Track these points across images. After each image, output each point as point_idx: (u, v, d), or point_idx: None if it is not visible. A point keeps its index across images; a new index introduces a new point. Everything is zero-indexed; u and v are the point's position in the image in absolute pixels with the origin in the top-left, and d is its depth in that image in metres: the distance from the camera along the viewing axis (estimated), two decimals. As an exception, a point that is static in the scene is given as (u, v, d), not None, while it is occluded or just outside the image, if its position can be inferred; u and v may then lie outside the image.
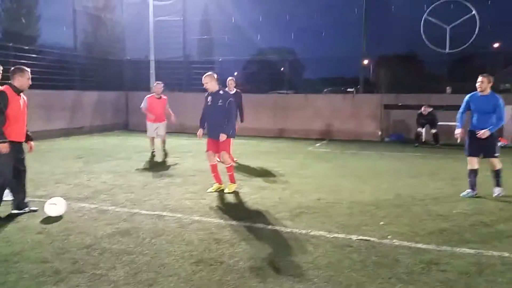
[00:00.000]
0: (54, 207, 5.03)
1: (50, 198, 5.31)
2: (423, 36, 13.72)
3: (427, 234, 4.65)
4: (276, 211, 5.49)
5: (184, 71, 17.41)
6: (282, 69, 17.73)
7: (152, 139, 10.31)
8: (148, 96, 10.29)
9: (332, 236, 4.56)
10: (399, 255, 4.02)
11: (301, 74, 20.91)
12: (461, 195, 6.32)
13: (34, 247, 4.08)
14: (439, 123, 12.58)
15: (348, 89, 17.85)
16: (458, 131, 6.46)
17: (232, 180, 6.67)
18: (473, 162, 6.28)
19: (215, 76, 6.51)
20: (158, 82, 10.47)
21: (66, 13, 15.90)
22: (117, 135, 15.36)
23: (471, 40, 13.45)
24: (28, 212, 5.21)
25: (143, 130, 15.90)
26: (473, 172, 6.29)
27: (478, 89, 6.17)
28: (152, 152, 10.27)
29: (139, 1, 17.15)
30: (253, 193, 6.45)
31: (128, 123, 17.40)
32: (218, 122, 6.40)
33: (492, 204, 5.93)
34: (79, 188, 6.62)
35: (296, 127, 15.25)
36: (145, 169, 8.44)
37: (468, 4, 13.78)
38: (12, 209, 5.17)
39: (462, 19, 13.84)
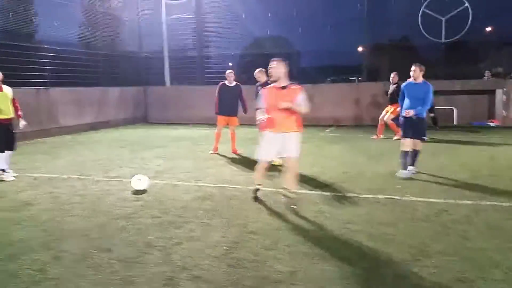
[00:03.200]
0: (140, 182, 6.27)
1: (133, 176, 6.50)
2: (421, 27, 14.99)
3: (437, 192, 6.02)
4: (312, 183, 6.80)
5: (197, 65, 18.63)
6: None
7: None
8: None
9: (362, 196, 5.89)
10: (417, 206, 5.37)
11: (298, 64, 22.01)
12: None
13: (141, 210, 5.34)
14: (436, 107, 13.93)
15: (350, 78, 19.15)
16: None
17: None
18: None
19: (264, 70, 7.97)
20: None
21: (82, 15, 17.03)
22: (140, 127, 16.58)
23: (464, 31, 14.74)
24: None
25: (162, 122, 17.28)
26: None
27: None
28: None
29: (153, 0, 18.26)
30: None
31: (146, 116, 18.62)
32: None
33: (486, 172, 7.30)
34: (142, 170, 7.82)
35: (306, 115, 16.45)
36: (187, 154, 9.66)
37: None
38: None
39: (456, 11, 15.10)
